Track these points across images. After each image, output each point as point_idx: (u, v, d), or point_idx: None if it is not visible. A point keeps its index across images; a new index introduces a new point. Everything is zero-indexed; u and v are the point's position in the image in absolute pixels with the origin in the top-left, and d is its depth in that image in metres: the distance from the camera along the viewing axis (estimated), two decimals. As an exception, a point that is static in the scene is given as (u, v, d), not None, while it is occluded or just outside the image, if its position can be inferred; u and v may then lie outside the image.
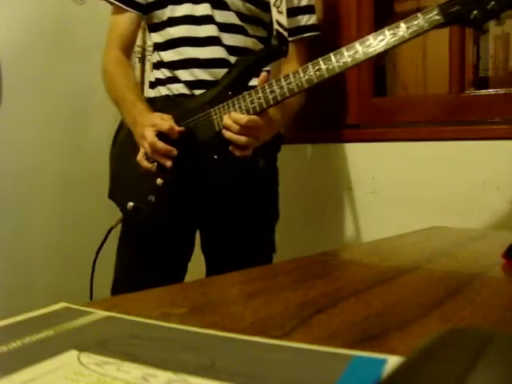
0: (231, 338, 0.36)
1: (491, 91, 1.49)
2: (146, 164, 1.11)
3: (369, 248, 0.85)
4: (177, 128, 1.09)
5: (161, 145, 1.07)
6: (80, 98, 1.81)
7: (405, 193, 1.46)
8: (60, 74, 1.74)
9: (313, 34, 1.29)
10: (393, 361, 0.31)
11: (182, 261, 1.28)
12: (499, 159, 1.33)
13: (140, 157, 1.11)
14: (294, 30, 1.25)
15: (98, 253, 1.18)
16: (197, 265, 1.31)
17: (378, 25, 1.59)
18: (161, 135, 1.07)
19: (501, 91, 1.42)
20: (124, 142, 1.23)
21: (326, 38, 1.65)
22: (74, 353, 0.33)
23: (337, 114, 1.65)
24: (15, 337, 0.35)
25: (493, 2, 0.91)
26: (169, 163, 1.08)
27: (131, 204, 1.15)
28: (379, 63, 1.87)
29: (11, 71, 1.63)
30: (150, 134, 1.07)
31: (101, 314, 0.42)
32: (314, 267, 0.70)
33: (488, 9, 0.92)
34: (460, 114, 1.44)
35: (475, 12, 0.93)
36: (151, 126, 1.08)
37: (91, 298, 1.18)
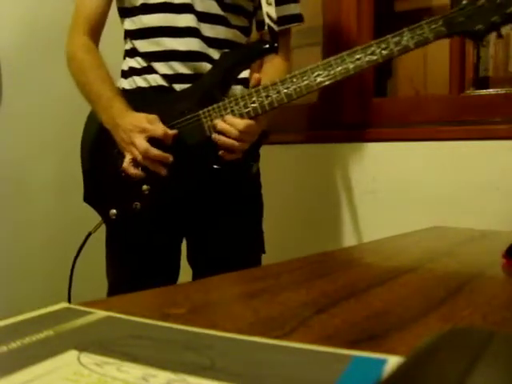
0: (231, 338, 0.36)
1: (491, 91, 1.49)
2: (133, 171, 1.04)
3: (369, 248, 0.85)
4: (170, 132, 1.03)
5: (156, 152, 1.01)
6: (80, 97, 1.81)
7: (405, 193, 1.46)
8: (60, 74, 1.74)
9: (298, 24, 1.23)
10: (393, 361, 0.31)
11: (172, 264, 1.19)
12: (499, 159, 1.33)
13: (127, 164, 1.04)
14: (281, 20, 1.16)
15: (76, 258, 1.13)
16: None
17: (378, 25, 1.59)
18: (152, 140, 1.01)
19: (501, 91, 1.42)
20: (97, 139, 1.14)
21: (326, 39, 1.65)
22: (73, 353, 0.33)
23: (337, 114, 1.65)
24: (15, 337, 0.35)
25: (496, 16, 0.92)
26: (163, 171, 1.03)
27: (114, 212, 1.09)
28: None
29: (11, 71, 1.63)
30: (142, 142, 1.01)
31: (101, 314, 0.42)
32: (314, 267, 0.70)
33: (491, 21, 0.93)
34: (460, 114, 1.44)
35: (480, 26, 0.93)
36: (140, 132, 1.01)
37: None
